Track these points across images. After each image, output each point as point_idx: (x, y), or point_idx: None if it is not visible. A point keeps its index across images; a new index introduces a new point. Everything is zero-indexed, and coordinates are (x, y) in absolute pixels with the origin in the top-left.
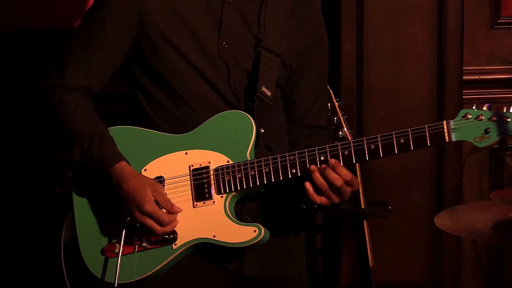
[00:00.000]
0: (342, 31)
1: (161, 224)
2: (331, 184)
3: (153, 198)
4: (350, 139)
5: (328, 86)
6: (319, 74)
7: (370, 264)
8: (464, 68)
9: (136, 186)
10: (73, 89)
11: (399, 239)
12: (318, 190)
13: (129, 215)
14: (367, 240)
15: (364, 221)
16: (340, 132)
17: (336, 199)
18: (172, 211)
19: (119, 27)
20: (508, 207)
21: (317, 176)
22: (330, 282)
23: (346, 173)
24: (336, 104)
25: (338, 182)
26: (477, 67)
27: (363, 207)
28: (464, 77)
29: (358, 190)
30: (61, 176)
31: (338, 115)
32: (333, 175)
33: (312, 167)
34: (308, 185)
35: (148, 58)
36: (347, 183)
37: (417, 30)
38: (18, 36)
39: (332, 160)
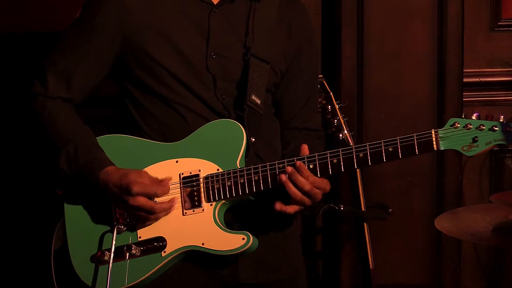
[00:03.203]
0: (342, 33)
1: (155, 196)
2: (299, 188)
3: (139, 180)
4: (350, 141)
5: (328, 89)
6: (308, 76)
7: (371, 266)
8: (464, 70)
9: (120, 176)
10: (55, 98)
11: (400, 241)
12: (289, 200)
13: (124, 207)
14: (367, 242)
15: (365, 224)
16: (341, 135)
17: (307, 201)
18: (162, 183)
19: (103, 40)
20: (509, 209)
21: (287, 181)
22: (330, 284)
23: (313, 177)
24: (337, 106)
25: (306, 186)
26: (477, 70)
27: (363, 209)
28: (465, 80)
29: (359, 192)
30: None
31: (339, 117)
32: (300, 179)
33: (283, 177)
34: (278, 206)
35: (135, 71)
36: (316, 186)
37: (417, 33)
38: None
39: (297, 163)
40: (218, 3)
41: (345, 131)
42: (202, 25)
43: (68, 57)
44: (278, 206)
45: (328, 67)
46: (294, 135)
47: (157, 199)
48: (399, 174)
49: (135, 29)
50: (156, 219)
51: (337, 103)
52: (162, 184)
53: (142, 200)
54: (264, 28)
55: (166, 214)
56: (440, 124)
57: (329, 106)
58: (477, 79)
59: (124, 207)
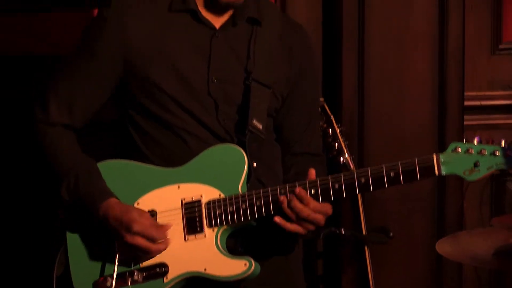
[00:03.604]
0: (343, 56)
1: (152, 240)
2: (297, 214)
3: (140, 219)
4: (351, 165)
5: (329, 112)
6: (310, 101)
7: None
8: (465, 93)
9: (122, 211)
10: (56, 124)
11: (401, 265)
12: (289, 219)
13: (120, 241)
14: (369, 266)
15: (365, 247)
16: (342, 158)
17: (309, 226)
18: (161, 228)
19: (104, 66)
20: (510, 233)
21: (285, 207)
22: None
23: (313, 203)
24: (338, 130)
25: (304, 212)
26: (478, 93)
27: (364, 233)
28: (465, 103)
29: (360, 216)
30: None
31: (340, 141)
32: (298, 206)
33: (282, 198)
34: (277, 219)
35: (136, 95)
36: (317, 211)
37: (418, 56)
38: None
39: (297, 190)
40: (220, 27)
41: (346, 155)
42: (203, 49)
43: (70, 82)
44: (278, 219)
45: (329, 90)
46: (296, 160)
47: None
48: (400, 197)
49: (136, 54)
50: (151, 257)
51: (338, 127)
52: (161, 229)
53: (139, 240)
54: (266, 53)
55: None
56: (441, 147)
57: (330, 130)
58: (478, 103)
59: (121, 241)
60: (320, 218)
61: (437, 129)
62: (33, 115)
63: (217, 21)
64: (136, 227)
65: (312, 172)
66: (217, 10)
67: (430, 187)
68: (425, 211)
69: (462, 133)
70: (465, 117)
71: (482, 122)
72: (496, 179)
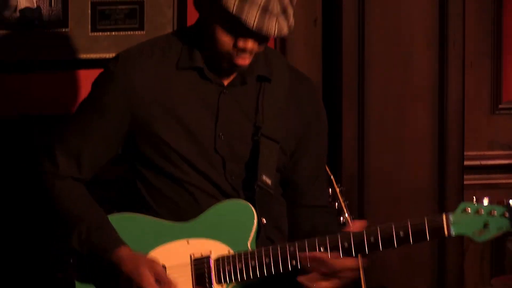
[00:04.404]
0: (343, 115)
1: None
2: (331, 271)
3: (151, 277)
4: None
5: (329, 172)
6: (318, 154)
7: None
8: (465, 153)
9: (133, 267)
10: (66, 177)
11: None
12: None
13: None
14: None
15: None
16: (342, 218)
17: (337, 284)
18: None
19: (111, 120)
20: None
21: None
22: None
23: (340, 262)
24: (338, 190)
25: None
26: (478, 153)
27: None
28: (465, 163)
29: (360, 275)
30: (63, 261)
31: (340, 201)
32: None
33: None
34: (302, 279)
35: (145, 150)
36: (345, 270)
37: (418, 114)
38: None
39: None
40: (228, 84)
41: (346, 215)
42: (211, 106)
43: (78, 136)
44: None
45: (329, 149)
46: (306, 214)
47: None
48: (401, 256)
49: (144, 109)
50: None
51: (338, 186)
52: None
53: None
54: (274, 107)
55: None
56: (441, 207)
57: (330, 189)
58: (478, 162)
59: None
60: (349, 276)
61: (437, 189)
62: (42, 168)
63: (225, 79)
64: (145, 283)
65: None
66: (224, 70)
67: (430, 246)
68: (425, 270)
69: (462, 193)
70: (465, 176)
71: (482, 181)
72: (496, 239)
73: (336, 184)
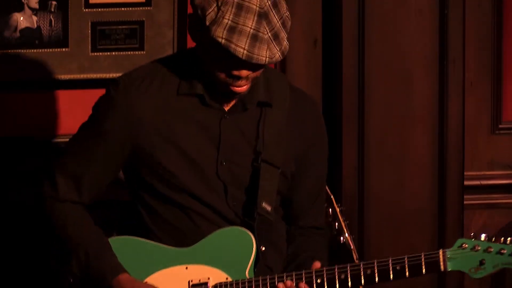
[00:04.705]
0: (343, 136)
1: None
2: None
3: None
4: (351, 245)
5: (329, 192)
6: (318, 175)
7: None
8: (465, 173)
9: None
10: (66, 201)
11: None
12: None
13: None
14: None
15: None
16: (342, 238)
17: None
18: None
19: (111, 147)
20: None
21: None
22: None
23: None
24: (338, 209)
25: None
26: (478, 173)
27: None
28: (465, 183)
29: None
30: (63, 281)
31: (340, 221)
32: None
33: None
34: None
35: (146, 177)
36: None
37: (418, 135)
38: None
39: (301, 285)
40: (229, 109)
41: (346, 234)
42: (212, 132)
43: (78, 160)
44: None
45: (329, 169)
46: (302, 233)
47: None
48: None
49: (145, 136)
50: None
51: (338, 206)
52: None
53: None
54: (275, 132)
55: None
56: (441, 227)
57: (330, 209)
58: (478, 182)
59: None
60: None
61: (437, 208)
62: (42, 192)
63: (226, 105)
64: None
65: (317, 265)
66: (224, 97)
67: (429, 281)
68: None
69: (462, 213)
70: (465, 196)
71: (482, 201)
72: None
73: (336, 203)
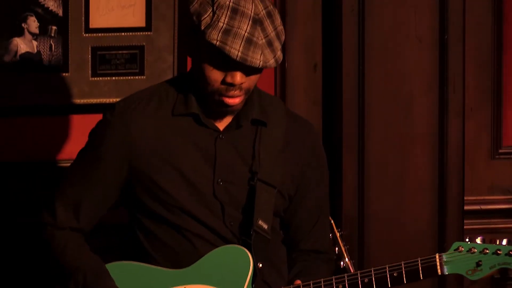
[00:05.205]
0: (343, 159)
1: None
2: None
3: None
4: (351, 269)
5: (329, 216)
6: (317, 198)
7: None
8: (465, 198)
9: None
10: (64, 228)
11: None
12: None
13: None
14: None
15: None
16: (342, 263)
17: None
18: None
19: (109, 170)
20: None
21: None
22: None
23: None
24: (338, 234)
25: None
26: (478, 197)
27: None
28: (465, 207)
29: None
30: None
31: (340, 245)
32: None
33: None
34: None
35: (143, 198)
36: None
37: (418, 159)
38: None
39: None
40: (224, 129)
41: (347, 259)
42: (208, 152)
43: (76, 186)
44: None
45: (329, 193)
46: (302, 258)
47: None
48: None
49: (142, 158)
50: None
51: (338, 231)
52: None
53: None
54: (271, 152)
55: None
56: (441, 251)
57: (330, 234)
58: (478, 207)
59: None
60: None
61: (437, 233)
62: (41, 219)
63: (221, 124)
64: None
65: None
66: (219, 115)
67: (430, 284)
68: None
69: (463, 237)
70: (465, 221)
71: (482, 226)
72: (496, 284)
73: (336, 228)
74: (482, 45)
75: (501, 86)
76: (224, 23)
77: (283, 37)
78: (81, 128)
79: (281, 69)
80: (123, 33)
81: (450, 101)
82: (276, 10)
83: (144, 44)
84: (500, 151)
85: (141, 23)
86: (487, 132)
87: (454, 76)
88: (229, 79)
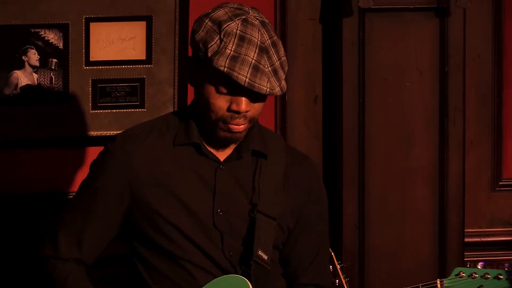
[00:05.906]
0: (343, 191)
1: None
2: None
3: None
4: None
5: (330, 249)
6: (317, 232)
7: None
8: (465, 230)
9: None
10: (67, 260)
11: None
12: None
13: None
14: None
15: None
16: None
17: None
18: None
19: (111, 199)
20: None
21: None
22: None
23: None
24: (338, 266)
25: None
26: (478, 229)
27: None
28: (466, 239)
29: None
30: None
31: (340, 277)
32: None
33: None
34: None
35: (143, 228)
36: None
37: (418, 193)
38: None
39: None
40: (225, 160)
41: None
42: (209, 182)
43: (78, 218)
44: None
45: (329, 227)
46: None
47: None
48: None
49: (143, 188)
50: None
51: (338, 263)
52: None
53: None
54: (271, 184)
55: None
56: (442, 277)
57: (331, 266)
58: (479, 239)
59: None
60: None
61: (438, 266)
62: (43, 251)
63: (221, 154)
64: None
65: None
66: (220, 144)
67: None
68: None
69: None
70: (466, 253)
71: (483, 258)
72: None
73: (337, 260)
74: (483, 78)
75: (501, 118)
76: (231, 50)
77: (286, 68)
78: (81, 161)
79: (282, 101)
80: (123, 66)
81: (450, 133)
82: (280, 41)
83: (144, 76)
84: (500, 183)
85: (142, 56)
86: (487, 165)
87: (454, 109)
88: (234, 107)
